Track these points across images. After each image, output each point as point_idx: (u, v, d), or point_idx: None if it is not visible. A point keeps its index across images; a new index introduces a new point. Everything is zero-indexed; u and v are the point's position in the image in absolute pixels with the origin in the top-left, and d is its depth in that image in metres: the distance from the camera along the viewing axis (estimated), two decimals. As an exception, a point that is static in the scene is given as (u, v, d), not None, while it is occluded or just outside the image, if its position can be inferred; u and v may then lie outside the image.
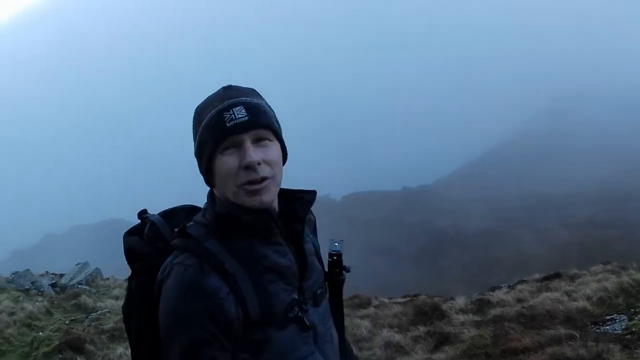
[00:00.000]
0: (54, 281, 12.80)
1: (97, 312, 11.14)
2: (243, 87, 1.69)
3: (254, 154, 1.58)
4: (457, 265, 65.14)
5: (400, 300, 11.28)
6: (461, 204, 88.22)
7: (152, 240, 1.73)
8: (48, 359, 8.85)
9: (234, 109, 1.59)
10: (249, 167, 1.57)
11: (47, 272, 14.52)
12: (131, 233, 1.80)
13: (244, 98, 1.63)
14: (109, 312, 11.16)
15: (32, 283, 12.35)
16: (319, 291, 1.77)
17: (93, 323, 10.09)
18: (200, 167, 1.66)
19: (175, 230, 1.70)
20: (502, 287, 11.11)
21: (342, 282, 1.93)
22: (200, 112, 1.65)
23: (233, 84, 1.69)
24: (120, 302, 11.75)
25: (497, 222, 76.69)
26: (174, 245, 1.64)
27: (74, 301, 11.47)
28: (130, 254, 1.75)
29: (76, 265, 13.91)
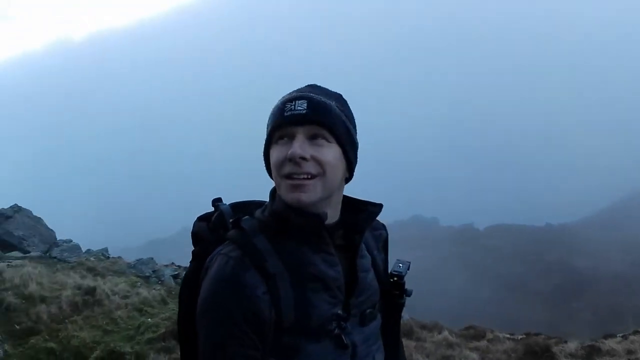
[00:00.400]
0: (176, 272, 13.19)
1: None
2: (325, 88, 1.68)
3: (300, 147, 1.54)
4: (587, 309, 64.97)
5: (515, 336, 11.57)
6: (601, 246, 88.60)
7: (215, 227, 1.75)
8: (150, 344, 8.91)
9: (297, 101, 1.58)
10: (292, 160, 1.53)
11: (172, 263, 15.26)
12: (201, 219, 1.83)
13: (312, 94, 1.60)
14: None
15: (154, 271, 12.85)
16: (368, 310, 1.71)
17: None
18: (264, 159, 1.67)
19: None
20: (616, 335, 11.12)
21: (401, 305, 1.84)
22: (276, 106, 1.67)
23: (316, 84, 1.69)
24: None
25: (633, 267, 76.01)
26: (227, 236, 1.65)
27: None
28: (195, 238, 1.80)
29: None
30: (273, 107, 1.64)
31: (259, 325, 1.51)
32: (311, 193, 1.54)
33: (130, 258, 15.35)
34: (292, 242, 1.59)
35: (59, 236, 16.50)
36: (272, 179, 1.64)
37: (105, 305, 10.33)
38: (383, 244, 1.87)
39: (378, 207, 1.73)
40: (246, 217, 1.66)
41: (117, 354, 8.25)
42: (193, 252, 1.76)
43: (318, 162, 1.55)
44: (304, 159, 1.53)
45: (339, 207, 1.68)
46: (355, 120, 1.73)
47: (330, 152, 1.57)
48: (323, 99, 1.60)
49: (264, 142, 1.66)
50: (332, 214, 1.64)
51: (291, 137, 1.57)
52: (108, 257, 15.28)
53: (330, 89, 1.70)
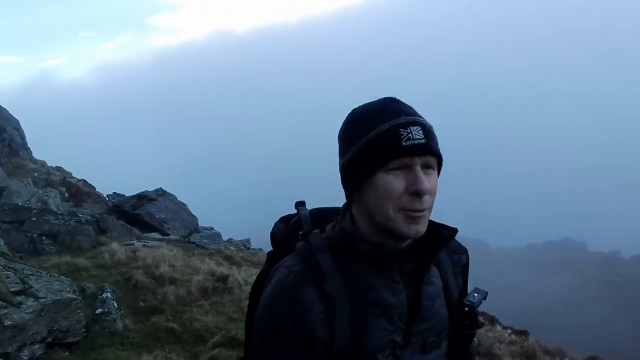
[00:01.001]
0: None
1: None
2: (408, 104, 1.62)
3: (426, 181, 1.50)
4: None
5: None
6: None
7: (291, 232, 1.76)
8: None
9: (411, 127, 1.51)
10: (417, 194, 1.50)
11: None
12: (282, 220, 1.85)
13: (420, 118, 1.56)
14: None
15: None
16: (431, 339, 1.66)
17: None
18: (351, 179, 1.58)
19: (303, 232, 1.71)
20: None
21: (470, 336, 1.77)
22: (362, 121, 1.58)
23: (396, 98, 1.63)
24: None
25: None
26: (296, 247, 1.66)
27: None
28: (272, 239, 1.83)
29: None
30: (365, 126, 1.54)
31: (312, 343, 1.51)
32: (424, 224, 1.54)
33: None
34: (358, 264, 1.57)
35: (204, 224, 16.61)
36: (357, 204, 1.60)
37: (236, 293, 10.25)
38: (462, 269, 1.81)
39: (452, 231, 1.67)
40: (317, 231, 1.66)
41: (237, 342, 7.91)
42: (268, 253, 1.81)
43: (430, 194, 1.53)
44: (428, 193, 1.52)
45: None
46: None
47: (435, 180, 1.56)
48: (429, 123, 1.57)
49: (350, 165, 1.57)
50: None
51: (407, 168, 1.51)
52: (249, 248, 15.29)
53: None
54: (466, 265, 1.82)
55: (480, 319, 1.75)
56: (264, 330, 1.55)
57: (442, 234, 1.64)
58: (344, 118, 1.62)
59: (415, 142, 1.48)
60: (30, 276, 9.15)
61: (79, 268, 10.42)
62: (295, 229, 1.73)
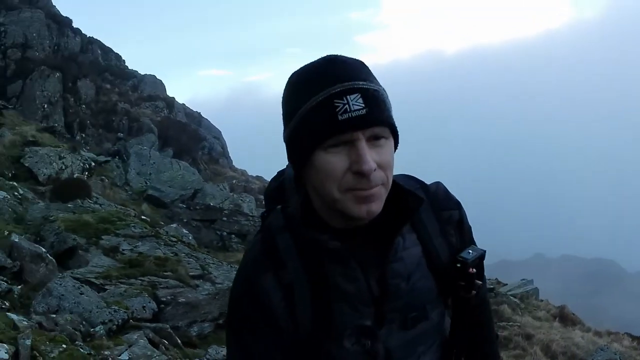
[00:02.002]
0: (492, 286, 13.67)
1: (509, 322, 12.27)
2: (352, 61, 1.43)
3: (370, 158, 1.34)
4: None
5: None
6: None
7: (278, 189, 1.70)
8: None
9: (348, 96, 1.34)
10: (362, 174, 1.35)
11: (488, 278, 15.59)
12: (275, 177, 1.77)
13: (361, 83, 1.37)
14: (519, 325, 12.39)
15: None
16: (412, 314, 1.53)
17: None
18: (293, 156, 1.46)
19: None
20: None
21: (468, 299, 1.61)
22: (298, 87, 1.43)
23: (342, 55, 1.44)
24: (540, 324, 12.57)
25: None
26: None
27: (494, 307, 12.52)
28: (264, 198, 1.81)
29: (521, 280, 14.89)
30: (300, 94, 1.39)
31: (278, 331, 1.47)
32: (379, 202, 1.41)
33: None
34: (313, 246, 1.47)
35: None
36: (307, 182, 1.47)
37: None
38: (455, 225, 1.64)
39: (419, 201, 1.51)
40: (278, 207, 1.59)
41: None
42: (261, 214, 1.69)
43: (382, 168, 1.38)
44: (374, 170, 1.36)
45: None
46: None
47: (390, 151, 1.41)
48: (373, 86, 1.38)
49: (288, 142, 1.45)
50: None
51: (348, 144, 1.35)
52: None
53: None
54: (460, 221, 1.66)
55: (478, 281, 1.60)
56: (231, 317, 1.53)
57: (408, 204, 1.51)
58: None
59: (354, 114, 1.32)
60: (211, 264, 10.39)
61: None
62: (281, 188, 1.67)
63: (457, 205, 1.66)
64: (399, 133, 1.43)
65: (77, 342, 6.27)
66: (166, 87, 39.25)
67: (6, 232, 9.84)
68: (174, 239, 11.40)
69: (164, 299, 8.42)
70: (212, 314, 8.57)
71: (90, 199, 14.15)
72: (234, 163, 36.52)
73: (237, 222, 16.47)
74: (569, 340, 12.62)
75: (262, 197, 20.84)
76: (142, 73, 38.06)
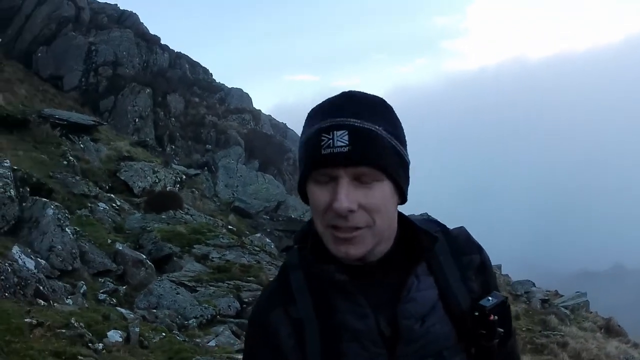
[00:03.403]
0: (547, 297, 13.91)
1: (554, 332, 12.97)
2: (363, 99, 1.45)
3: (345, 198, 1.35)
4: None
5: None
6: None
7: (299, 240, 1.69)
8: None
9: (335, 132, 1.36)
10: (337, 212, 1.37)
11: (548, 290, 16.11)
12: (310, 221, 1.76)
13: (352, 120, 1.37)
14: (562, 335, 13.13)
15: (526, 292, 13.57)
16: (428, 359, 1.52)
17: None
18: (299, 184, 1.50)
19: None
20: None
21: (489, 348, 1.56)
22: (306, 120, 1.48)
23: (357, 92, 1.48)
24: (583, 334, 13.27)
25: None
26: None
27: (542, 317, 12.04)
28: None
29: (575, 292, 15.42)
30: (305, 127, 1.45)
31: None
32: (360, 245, 1.40)
33: (554, 284, 17.29)
34: (324, 283, 1.50)
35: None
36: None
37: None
38: (476, 271, 1.60)
39: (432, 239, 1.51)
40: (296, 246, 1.59)
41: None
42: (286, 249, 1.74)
43: (367, 211, 1.37)
44: (351, 211, 1.36)
45: (393, 236, 1.50)
46: None
47: (380, 194, 1.39)
48: (367, 124, 1.38)
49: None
50: (382, 249, 1.48)
51: (333, 179, 1.37)
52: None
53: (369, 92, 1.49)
54: (482, 266, 1.64)
55: (500, 329, 1.56)
56: (245, 349, 1.63)
57: (422, 243, 1.51)
58: None
59: (335, 150, 1.35)
60: (289, 271, 11.96)
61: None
62: (309, 230, 1.64)
63: (479, 249, 1.64)
64: (400, 177, 1.42)
65: (174, 332, 7.83)
66: (253, 94, 41.60)
67: (109, 240, 11.64)
68: (257, 248, 12.97)
69: (246, 300, 9.98)
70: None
71: (182, 210, 15.94)
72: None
73: (317, 234, 18.05)
74: (602, 350, 13.35)
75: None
76: (229, 86, 40.44)
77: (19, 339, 6.06)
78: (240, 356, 6.45)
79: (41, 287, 7.95)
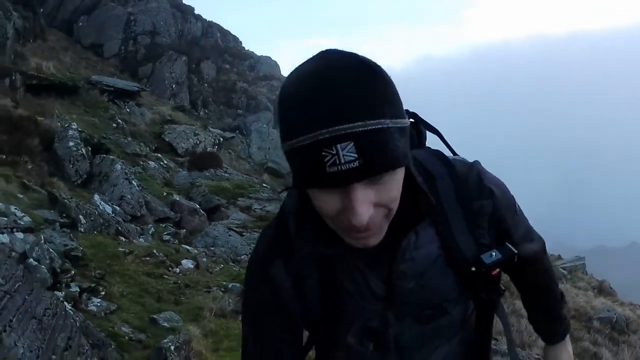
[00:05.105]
0: None
1: None
2: (352, 77, 1.15)
3: (364, 212, 1.18)
4: None
5: None
6: None
7: None
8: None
9: (338, 145, 1.11)
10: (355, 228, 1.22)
11: (551, 254, 17.91)
12: None
13: (356, 125, 1.11)
14: None
15: None
16: (427, 312, 1.47)
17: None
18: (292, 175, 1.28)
19: None
20: None
21: (489, 303, 1.53)
22: (287, 104, 1.20)
23: (337, 62, 1.18)
24: (576, 292, 14.75)
25: None
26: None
27: None
28: None
29: (575, 256, 16.97)
30: (286, 121, 1.19)
31: (290, 316, 1.49)
32: (378, 235, 1.28)
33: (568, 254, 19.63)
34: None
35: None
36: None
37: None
38: (489, 217, 1.48)
39: (430, 206, 1.37)
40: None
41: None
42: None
43: (382, 205, 1.23)
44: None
45: None
46: None
47: (394, 186, 1.23)
48: (372, 123, 1.12)
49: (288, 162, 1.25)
50: None
51: (342, 188, 1.18)
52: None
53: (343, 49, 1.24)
54: (495, 212, 1.48)
55: (502, 287, 1.50)
56: (245, 299, 1.58)
57: (421, 204, 1.37)
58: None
59: (344, 167, 1.12)
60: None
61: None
62: None
63: (490, 194, 1.47)
64: (409, 157, 1.23)
65: (230, 264, 9.46)
66: (280, 61, 42.77)
67: (164, 193, 13.30)
68: (292, 202, 14.61)
69: (286, 242, 11.60)
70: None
71: (221, 169, 17.53)
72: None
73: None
74: (589, 304, 14.62)
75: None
76: (259, 54, 41.72)
77: (116, 263, 7.73)
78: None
79: (120, 228, 9.62)
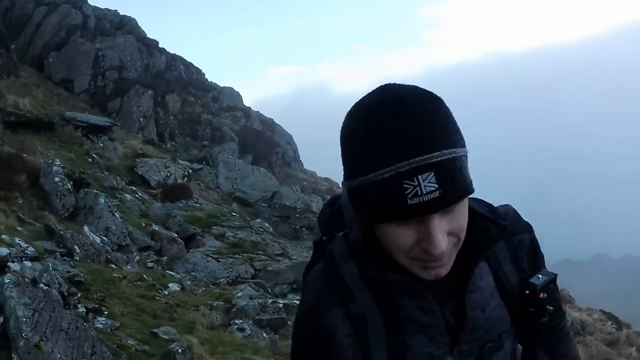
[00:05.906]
0: None
1: None
2: (424, 110, 1.20)
3: (442, 242, 1.22)
4: None
5: None
6: None
7: (333, 216, 1.68)
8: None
9: (420, 177, 1.16)
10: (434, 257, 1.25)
11: None
12: (329, 203, 1.76)
13: (435, 155, 1.16)
14: None
15: None
16: (488, 345, 1.47)
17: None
18: (355, 206, 1.32)
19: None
20: None
21: (539, 327, 1.51)
22: (360, 140, 1.24)
23: (406, 97, 1.22)
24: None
25: None
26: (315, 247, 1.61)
27: None
28: (318, 225, 1.75)
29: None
30: (366, 160, 1.20)
31: None
32: (448, 264, 1.30)
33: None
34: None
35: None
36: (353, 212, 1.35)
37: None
38: (526, 250, 1.54)
39: (501, 229, 1.40)
40: (339, 234, 1.51)
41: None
42: (315, 242, 1.66)
43: (454, 234, 1.26)
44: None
45: None
46: None
47: (464, 213, 1.27)
48: (447, 153, 1.18)
49: (352, 198, 1.30)
50: None
51: (419, 220, 1.21)
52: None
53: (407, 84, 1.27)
54: (532, 245, 1.57)
55: (550, 307, 1.50)
56: (294, 352, 1.51)
57: (489, 232, 1.40)
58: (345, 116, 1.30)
59: (425, 197, 1.17)
60: (289, 247, 14.62)
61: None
62: (338, 213, 1.63)
63: (528, 228, 1.58)
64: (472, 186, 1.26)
65: (210, 286, 10.55)
66: (241, 90, 44.15)
67: (143, 224, 14.31)
68: (261, 229, 15.71)
69: (258, 267, 12.83)
70: (289, 279, 12.70)
71: (192, 199, 18.59)
72: (305, 166, 40.91)
73: (307, 218, 20.63)
74: None
75: (328, 197, 25.12)
76: (221, 85, 42.93)
77: (113, 287, 8.76)
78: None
79: (109, 256, 10.64)
